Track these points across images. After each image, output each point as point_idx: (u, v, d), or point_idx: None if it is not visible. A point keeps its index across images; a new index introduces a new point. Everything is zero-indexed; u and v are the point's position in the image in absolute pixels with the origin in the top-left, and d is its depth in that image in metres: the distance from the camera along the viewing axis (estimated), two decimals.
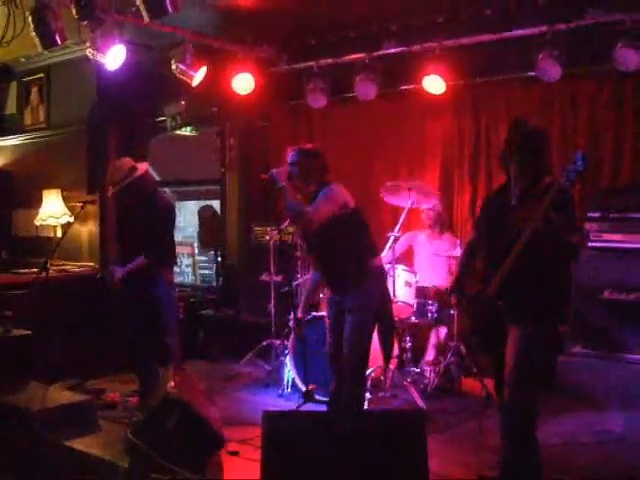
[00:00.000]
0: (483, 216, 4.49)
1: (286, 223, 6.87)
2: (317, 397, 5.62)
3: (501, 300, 4.07)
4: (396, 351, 6.44)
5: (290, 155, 5.10)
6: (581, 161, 3.85)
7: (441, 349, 6.78)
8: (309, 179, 5.04)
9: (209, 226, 8.85)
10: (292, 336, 6.51)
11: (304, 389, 5.90)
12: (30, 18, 5.81)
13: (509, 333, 4.11)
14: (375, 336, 5.33)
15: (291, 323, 6.77)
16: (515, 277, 3.98)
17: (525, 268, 3.96)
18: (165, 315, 6.05)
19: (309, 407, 5.56)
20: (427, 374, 6.59)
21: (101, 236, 8.52)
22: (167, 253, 6.13)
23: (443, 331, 6.82)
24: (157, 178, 8.91)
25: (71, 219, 8.25)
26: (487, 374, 6.56)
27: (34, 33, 5.87)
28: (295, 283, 6.86)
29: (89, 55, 6.26)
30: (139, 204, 5.96)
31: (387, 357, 5.94)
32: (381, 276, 5.33)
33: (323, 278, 5.35)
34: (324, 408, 5.29)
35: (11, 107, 9.62)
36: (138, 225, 5.97)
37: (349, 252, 5.04)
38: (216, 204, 9.25)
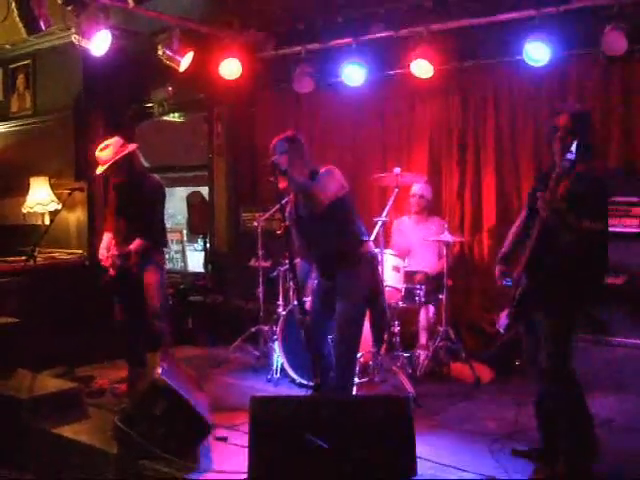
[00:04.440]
0: (530, 195, 4.60)
1: (274, 209, 6.88)
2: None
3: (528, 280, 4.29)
4: (385, 336, 6.45)
5: (278, 145, 5.05)
6: (575, 149, 4.09)
7: (431, 331, 6.79)
8: (303, 164, 5.03)
9: (198, 212, 8.82)
10: (281, 322, 6.52)
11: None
12: (14, 4, 5.77)
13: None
14: (366, 321, 5.34)
15: (280, 309, 6.79)
16: (535, 260, 4.21)
17: (543, 252, 4.17)
18: (156, 298, 6.05)
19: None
20: (420, 359, 6.60)
21: (90, 222, 8.49)
22: (158, 234, 6.16)
23: (431, 311, 6.83)
24: (145, 164, 8.87)
25: (59, 206, 8.22)
26: (476, 358, 6.62)
27: (18, 19, 5.83)
28: (282, 269, 6.86)
29: (74, 41, 6.22)
30: (129, 183, 5.98)
31: (378, 342, 5.95)
32: (372, 261, 5.34)
33: (314, 263, 5.33)
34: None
35: None
36: (129, 206, 5.99)
37: (342, 235, 5.04)
38: (204, 190, 9.22)
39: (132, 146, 6.00)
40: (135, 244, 5.92)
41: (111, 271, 6.02)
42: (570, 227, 4.08)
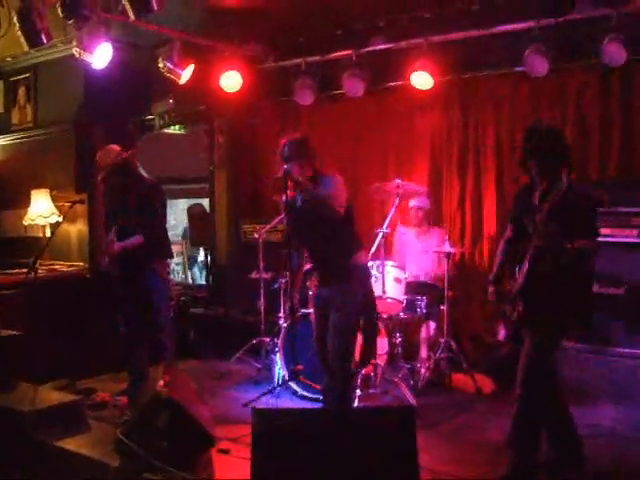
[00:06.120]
0: (514, 212, 4.67)
1: (276, 221, 6.90)
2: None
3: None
4: (386, 347, 6.45)
5: (288, 149, 4.99)
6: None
7: (431, 345, 6.79)
8: (308, 166, 5.00)
9: (199, 224, 8.83)
10: (282, 334, 6.51)
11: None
12: (15, 17, 5.79)
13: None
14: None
15: (282, 321, 6.78)
16: (531, 285, 4.23)
17: (538, 276, 4.20)
18: (159, 312, 6.04)
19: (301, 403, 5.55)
20: (421, 371, 6.60)
21: (90, 235, 8.48)
22: (159, 239, 6.08)
23: (432, 326, 6.83)
24: (146, 176, 8.87)
25: (60, 219, 8.22)
26: (477, 369, 6.61)
27: (20, 32, 5.85)
28: (283, 281, 6.86)
29: (75, 54, 6.24)
30: (127, 184, 5.97)
31: (368, 354, 5.92)
32: (367, 272, 5.35)
33: (314, 271, 5.32)
34: (314, 403, 5.29)
35: None
36: (129, 206, 5.96)
37: (341, 246, 5.03)
38: (205, 202, 9.23)
39: (128, 153, 6.03)
40: (133, 239, 5.90)
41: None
42: (565, 251, 4.08)
